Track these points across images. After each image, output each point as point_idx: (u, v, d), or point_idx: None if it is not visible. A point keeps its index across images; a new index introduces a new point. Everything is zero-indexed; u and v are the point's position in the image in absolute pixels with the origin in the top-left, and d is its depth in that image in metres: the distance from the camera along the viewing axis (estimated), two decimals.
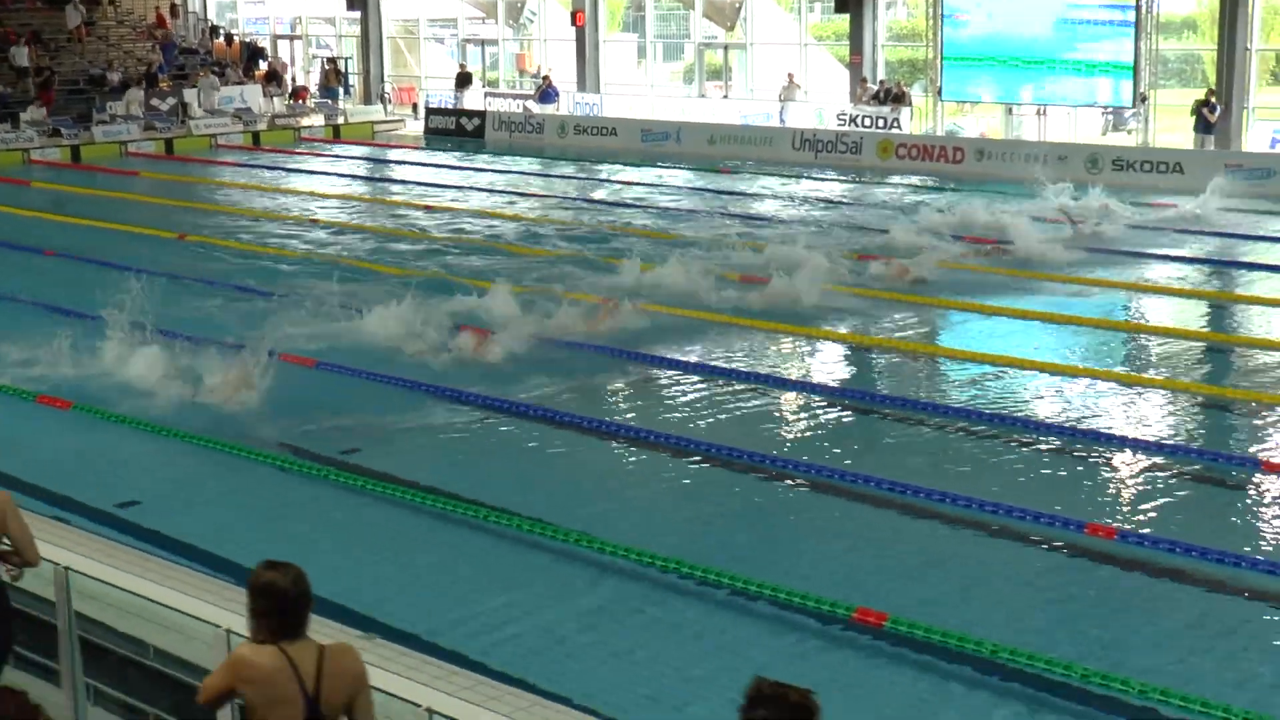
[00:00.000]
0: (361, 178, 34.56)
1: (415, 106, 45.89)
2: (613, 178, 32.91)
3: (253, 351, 14.29)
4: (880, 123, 35.57)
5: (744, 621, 9.40)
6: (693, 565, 9.96)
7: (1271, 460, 12.44)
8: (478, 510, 11.21)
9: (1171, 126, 33.46)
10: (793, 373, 15.75)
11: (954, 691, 8.46)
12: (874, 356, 16.45)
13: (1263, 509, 11.63)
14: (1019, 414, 13.99)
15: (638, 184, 31.63)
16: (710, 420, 13.76)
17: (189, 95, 41.31)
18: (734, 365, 15.52)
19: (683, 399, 14.43)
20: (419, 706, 6.17)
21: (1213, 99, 31.82)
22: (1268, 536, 10.89)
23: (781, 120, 37.64)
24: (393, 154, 38.91)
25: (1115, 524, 10.93)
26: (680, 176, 32.54)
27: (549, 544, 10.61)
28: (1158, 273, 20.92)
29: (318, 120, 43.06)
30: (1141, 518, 11.19)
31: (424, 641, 8.51)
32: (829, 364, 16.37)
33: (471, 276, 19.93)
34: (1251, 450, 12.98)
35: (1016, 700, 8.30)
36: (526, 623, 9.40)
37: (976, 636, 8.79)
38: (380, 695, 6.80)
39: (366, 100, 47.64)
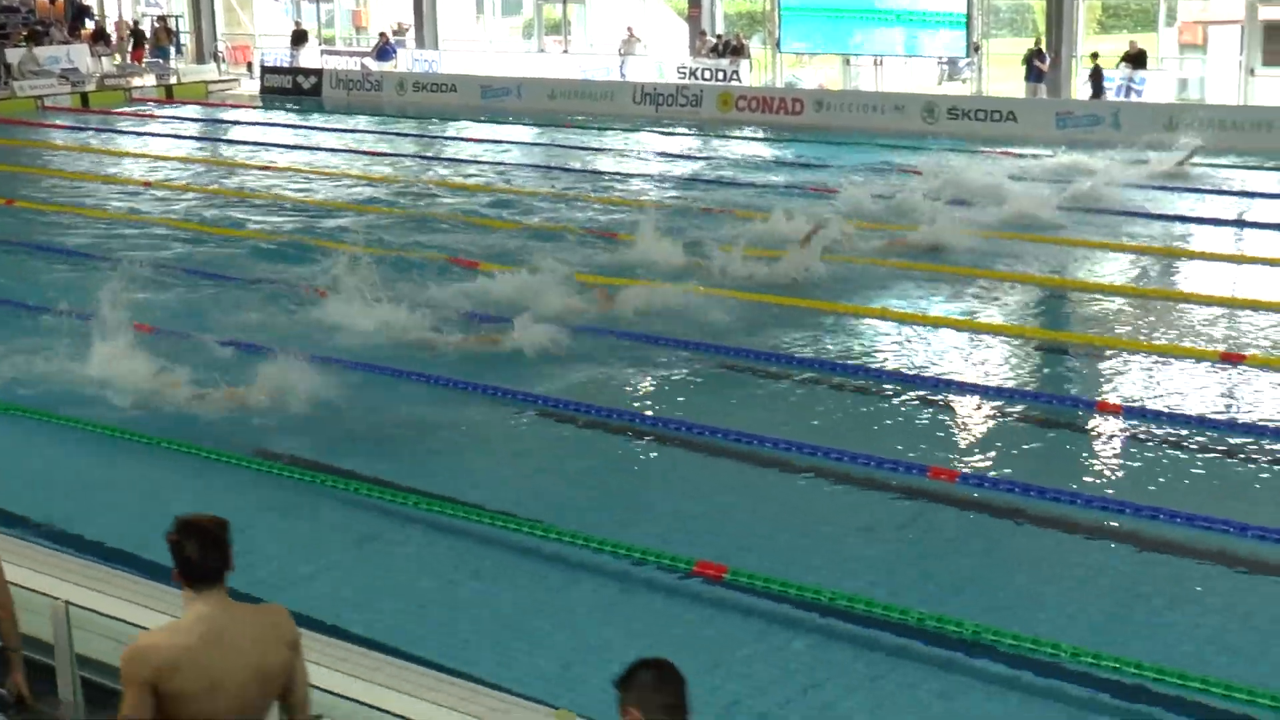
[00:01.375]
0: (196, 139, 33.74)
1: (250, 65, 44.97)
2: (461, 134, 32.67)
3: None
4: (720, 75, 35.73)
5: (577, 575, 9.37)
6: (534, 524, 9.92)
7: (1105, 401, 12.83)
8: (315, 475, 11.09)
9: (1004, 76, 34.12)
10: (637, 325, 15.65)
11: (792, 641, 8.50)
12: (717, 308, 16.47)
13: (1097, 448, 11.98)
14: (860, 362, 14.21)
15: (479, 140, 31.51)
16: (553, 375, 13.65)
17: (11, 55, 39.92)
18: (582, 321, 15.44)
19: (525, 354, 14.25)
20: None
21: (1043, 48, 32.55)
22: (1103, 474, 11.21)
23: (622, 74, 37.62)
24: (227, 114, 38.06)
25: (957, 467, 11.16)
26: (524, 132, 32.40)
27: (391, 507, 10.49)
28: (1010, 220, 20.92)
29: (149, 80, 41.91)
30: (982, 460, 11.44)
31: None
32: (675, 316, 16.29)
33: (321, 238, 19.68)
34: (1086, 392, 13.37)
35: (853, 645, 8.38)
36: (373, 583, 9.35)
37: (815, 585, 8.87)
38: None
39: (199, 59, 46.52)
